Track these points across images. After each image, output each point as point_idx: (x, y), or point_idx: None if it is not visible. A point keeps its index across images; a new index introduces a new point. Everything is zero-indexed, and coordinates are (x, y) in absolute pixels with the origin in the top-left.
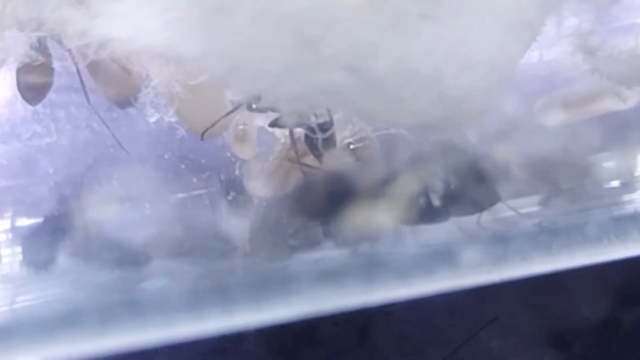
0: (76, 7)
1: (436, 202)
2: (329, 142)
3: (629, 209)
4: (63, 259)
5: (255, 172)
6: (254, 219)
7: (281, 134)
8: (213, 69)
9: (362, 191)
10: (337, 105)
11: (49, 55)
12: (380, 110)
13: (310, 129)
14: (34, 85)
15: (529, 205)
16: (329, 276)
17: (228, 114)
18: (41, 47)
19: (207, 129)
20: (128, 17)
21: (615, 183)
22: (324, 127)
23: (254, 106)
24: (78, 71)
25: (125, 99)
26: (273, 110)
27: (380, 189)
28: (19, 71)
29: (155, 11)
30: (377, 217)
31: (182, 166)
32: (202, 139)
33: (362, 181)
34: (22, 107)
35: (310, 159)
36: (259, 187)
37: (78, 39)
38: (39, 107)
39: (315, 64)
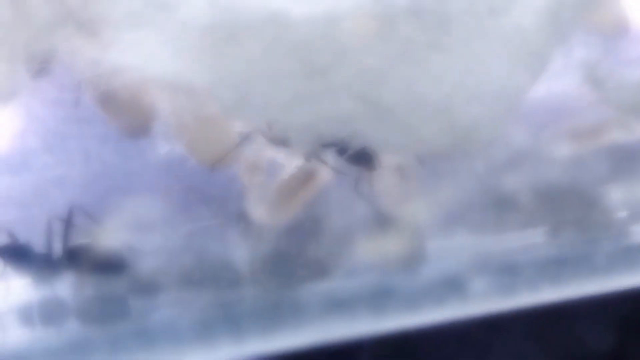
0: (87, 37)
1: None
2: (368, 162)
3: (637, 238)
4: (73, 289)
5: (261, 198)
6: (263, 249)
7: (288, 161)
8: (223, 98)
9: (374, 220)
10: (347, 133)
11: None
12: (390, 137)
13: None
14: None
15: (537, 235)
16: (339, 305)
17: (239, 145)
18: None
19: (216, 161)
20: (139, 47)
21: (623, 213)
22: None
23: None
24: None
25: (138, 130)
26: (287, 143)
27: (391, 218)
28: None
29: (166, 40)
30: (387, 247)
31: (192, 197)
32: (211, 171)
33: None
34: (33, 139)
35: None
36: (264, 213)
37: (90, 68)
38: (50, 138)
39: (324, 93)
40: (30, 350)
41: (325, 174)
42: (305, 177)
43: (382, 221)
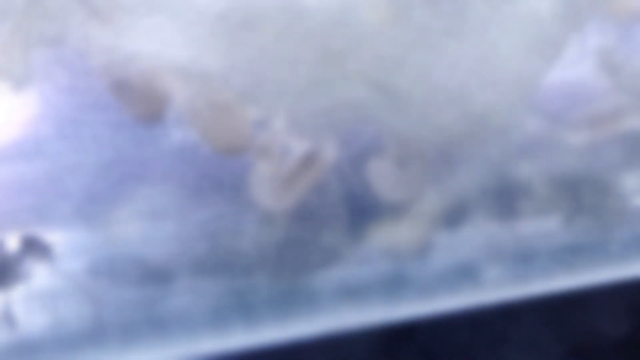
0: (102, 22)
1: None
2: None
3: None
4: (87, 276)
5: (265, 180)
6: (276, 236)
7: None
8: (237, 85)
9: (386, 207)
10: (362, 121)
11: None
12: (404, 125)
13: None
14: None
15: (552, 222)
16: (352, 293)
17: (253, 131)
18: None
19: (231, 148)
20: (154, 33)
21: (638, 200)
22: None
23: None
24: None
25: (152, 116)
26: (300, 127)
27: (404, 205)
28: None
29: (181, 26)
30: (400, 234)
31: (206, 184)
32: (225, 156)
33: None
34: (47, 125)
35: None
36: (267, 196)
37: (104, 55)
38: (63, 125)
39: (339, 79)
40: (42, 339)
41: (327, 158)
42: (306, 162)
43: (395, 209)
